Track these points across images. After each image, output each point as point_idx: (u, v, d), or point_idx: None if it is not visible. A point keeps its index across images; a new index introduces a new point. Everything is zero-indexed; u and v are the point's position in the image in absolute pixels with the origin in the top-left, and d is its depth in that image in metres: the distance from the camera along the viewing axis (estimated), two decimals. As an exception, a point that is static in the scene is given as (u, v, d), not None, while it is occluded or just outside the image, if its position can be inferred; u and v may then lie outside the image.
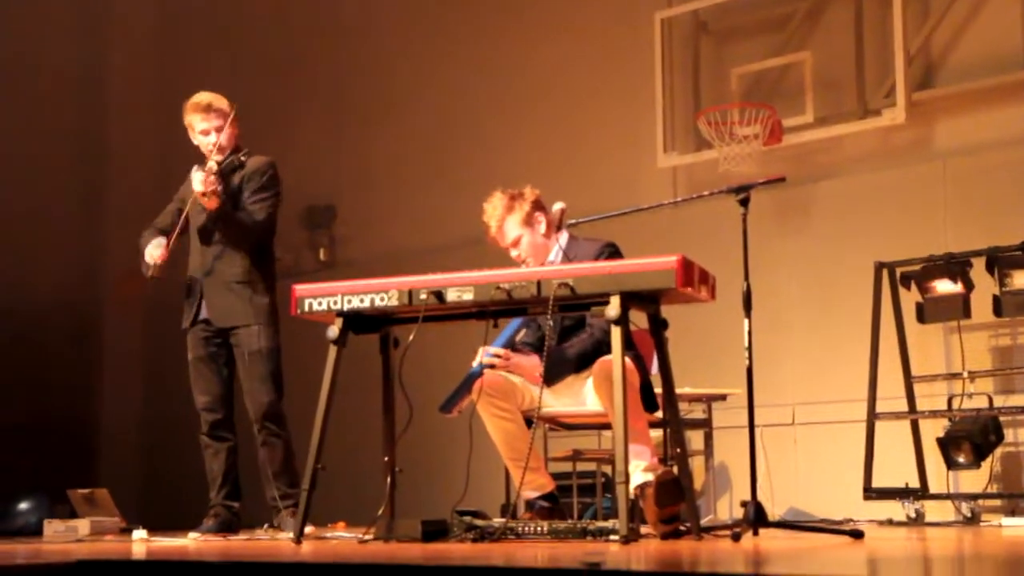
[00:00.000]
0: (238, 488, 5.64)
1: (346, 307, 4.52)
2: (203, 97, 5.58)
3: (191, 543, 5.04)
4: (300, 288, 4.67)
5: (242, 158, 5.55)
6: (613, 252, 4.84)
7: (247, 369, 5.55)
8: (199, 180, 5.35)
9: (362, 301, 4.50)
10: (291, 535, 4.69)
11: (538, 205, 5.02)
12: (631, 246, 4.93)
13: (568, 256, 4.90)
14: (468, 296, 4.37)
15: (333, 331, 4.52)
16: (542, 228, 5.00)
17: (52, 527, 6.29)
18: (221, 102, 5.59)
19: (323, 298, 4.57)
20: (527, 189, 5.05)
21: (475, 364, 4.84)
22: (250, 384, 5.56)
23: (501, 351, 4.81)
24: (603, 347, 4.35)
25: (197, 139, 5.63)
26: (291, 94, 9.51)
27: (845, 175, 7.29)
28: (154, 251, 5.56)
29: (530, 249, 4.98)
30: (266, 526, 5.64)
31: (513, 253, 5.03)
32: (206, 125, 5.56)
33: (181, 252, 5.69)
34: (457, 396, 4.80)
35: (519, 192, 5.03)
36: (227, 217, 5.47)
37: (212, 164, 5.43)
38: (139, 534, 5.39)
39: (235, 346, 5.59)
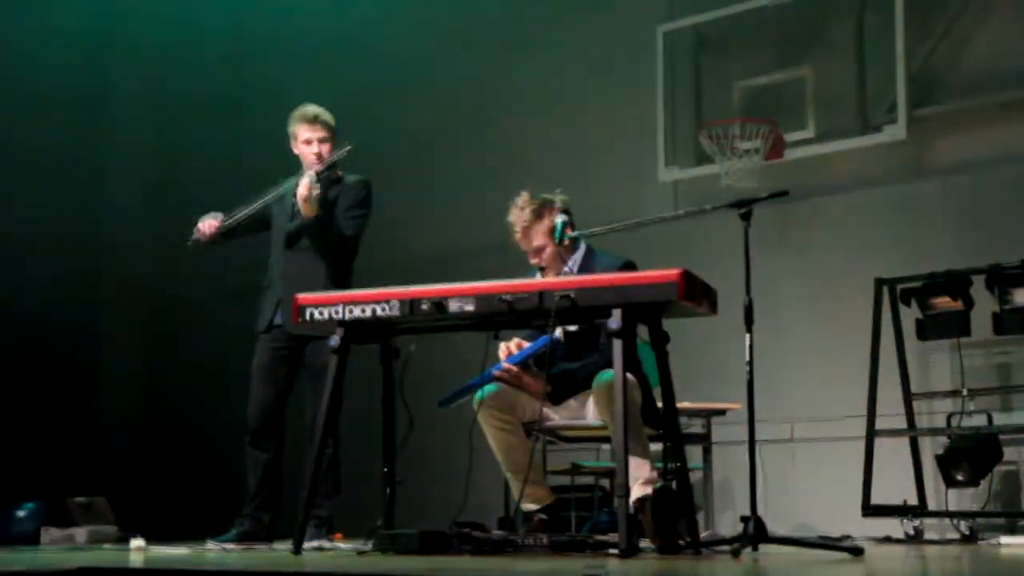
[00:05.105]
0: (271, 500, 5.62)
1: (347, 317, 4.52)
2: (311, 109, 5.76)
3: (189, 552, 5.02)
4: (302, 297, 4.67)
5: (339, 173, 5.71)
6: (631, 269, 4.76)
7: (314, 381, 5.52)
8: (304, 184, 5.47)
9: (363, 311, 4.50)
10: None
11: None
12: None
13: (587, 268, 4.89)
14: (469, 307, 4.37)
15: (334, 341, 4.52)
16: (567, 240, 4.97)
17: (49, 535, 6.29)
18: (328, 116, 5.76)
19: (324, 307, 4.57)
20: (557, 198, 5.01)
21: (494, 366, 4.79)
22: (315, 397, 5.54)
23: (514, 368, 4.78)
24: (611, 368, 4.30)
25: (299, 148, 5.77)
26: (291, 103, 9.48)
27: (845, 191, 7.29)
28: (209, 219, 5.71)
29: (552, 260, 4.96)
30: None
31: (533, 260, 5.02)
32: (310, 135, 5.72)
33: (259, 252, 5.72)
34: (459, 396, 4.78)
35: (549, 201, 4.99)
36: (322, 226, 5.57)
37: (313, 173, 5.54)
38: (137, 543, 5.38)
39: (306, 356, 5.59)
